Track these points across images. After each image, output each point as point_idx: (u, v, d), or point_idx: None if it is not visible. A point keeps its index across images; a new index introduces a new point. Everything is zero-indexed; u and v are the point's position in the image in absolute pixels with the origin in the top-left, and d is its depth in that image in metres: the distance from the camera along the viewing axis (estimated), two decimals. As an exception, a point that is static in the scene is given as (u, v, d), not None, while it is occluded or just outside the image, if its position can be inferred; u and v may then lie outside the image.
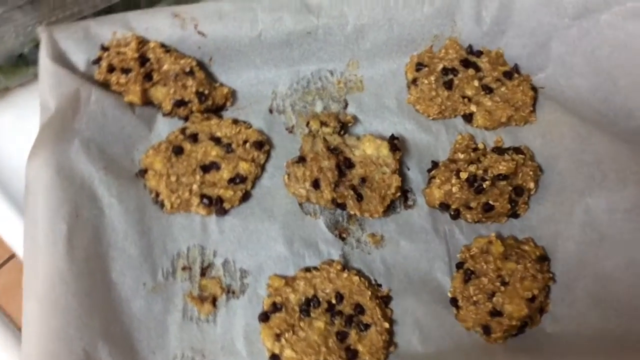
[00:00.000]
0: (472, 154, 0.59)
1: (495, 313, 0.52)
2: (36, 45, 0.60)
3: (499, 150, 0.59)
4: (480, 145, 0.60)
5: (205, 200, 0.57)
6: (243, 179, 0.58)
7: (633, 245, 0.52)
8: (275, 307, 0.53)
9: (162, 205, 0.57)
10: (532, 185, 0.57)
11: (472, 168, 0.56)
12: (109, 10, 0.63)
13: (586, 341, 0.51)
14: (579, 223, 0.55)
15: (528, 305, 0.51)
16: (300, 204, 0.58)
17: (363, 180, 0.57)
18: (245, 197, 0.58)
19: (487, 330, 0.52)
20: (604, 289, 0.52)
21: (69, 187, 0.53)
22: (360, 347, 0.52)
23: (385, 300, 0.54)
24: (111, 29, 0.60)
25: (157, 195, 0.57)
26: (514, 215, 0.57)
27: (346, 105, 0.63)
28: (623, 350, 0.49)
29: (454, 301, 0.54)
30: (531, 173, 0.57)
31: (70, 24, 0.60)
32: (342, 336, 0.52)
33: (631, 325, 0.51)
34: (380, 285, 0.55)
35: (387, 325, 0.52)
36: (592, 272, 0.53)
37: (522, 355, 0.51)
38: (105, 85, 0.60)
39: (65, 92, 0.56)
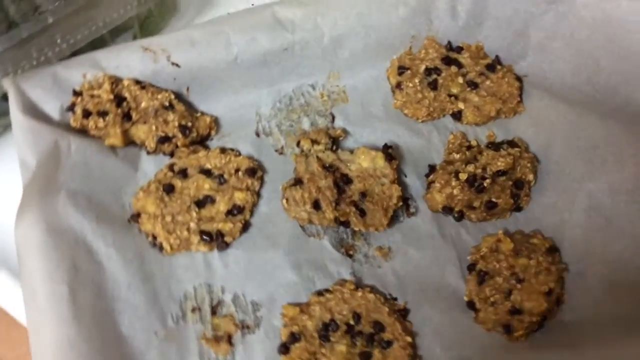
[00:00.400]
0: (467, 153, 0.58)
1: (515, 311, 0.52)
2: (4, 96, 0.57)
3: (494, 146, 0.58)
4: (474, 143, 0.59)
5: (205, 237, 0.55)
6: (241, 210, 0.56)
7: (639, 225, 0.52)
8: (294, 337, 0.52)
9: (161, 248, 0.55)
10: (531, 177, 0.57)
11: (471, 168, 0.56)
12: (74, 52, 0.60)
13: (604, 327, 0.51)
14: (583, 209, 0.55)
15: (546, 299, 0.51)
16: (302, 227, 0.57)
17: (363, 194, 0.56)
18: (245, 227, 0.57)
19: (508, 329, 0.52)
20: (615, 273, 0.52)
21: (63, 244, 0.51)
22: (385, 366, 0.51)
23: (403, 314, 0.54)
24: (80, 72, 0.58)
25: (155, 238, 0.55)
26: (517, 209, 0.57)
27: (333, 118, 0.62)
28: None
29: (471, 304, 0.54)
30: (529, 165, 0.57)
31: (36, 71, 0.57)
32: (365, 357, 0.51)
33: None
34: (395, 299, 0.54)
35: (409, 339, 0.52)
36: (601, 257, 0.53)
37: (545, 349, 0.51)
38: (83, 132, 0.57)
39: (44, 146, 0.53)
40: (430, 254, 0.56)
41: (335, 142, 0.60)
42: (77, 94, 0.57)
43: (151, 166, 0.59)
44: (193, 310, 0.54)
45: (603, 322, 0.51)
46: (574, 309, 0.53)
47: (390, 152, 0.58)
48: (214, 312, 0.54)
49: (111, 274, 0.52)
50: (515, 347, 0.52)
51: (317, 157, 0.57)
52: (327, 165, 0.57)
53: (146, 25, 0.67)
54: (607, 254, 0.53)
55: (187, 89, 0.61)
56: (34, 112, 0.56)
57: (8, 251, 0.54)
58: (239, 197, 0.57)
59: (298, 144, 0.59)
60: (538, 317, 0.51)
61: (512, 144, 0.58)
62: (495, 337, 0.53)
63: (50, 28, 0.54)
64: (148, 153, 0.59)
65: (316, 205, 0.55)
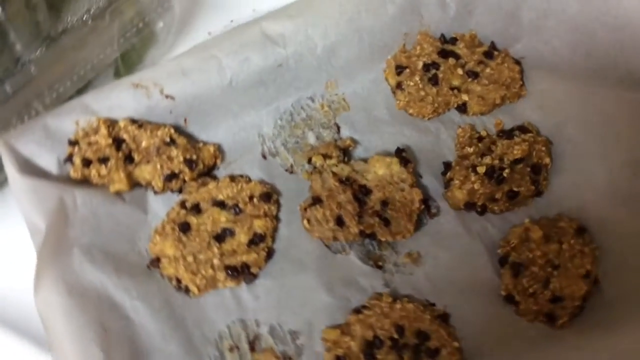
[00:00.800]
0: (480, 145, 0.57)
1: (556, 299, 0.51)
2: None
3: (506, 134, 0.58)
4: (484, 133, 0.59)
5: (231, 272, 0.53)
6: (262, 237, 0.55)
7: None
8: (339, 360, 0.51)
9: (187, 290, 0.53)
10: (547, 160, 0.56)
11: (488, 160, 0.55)
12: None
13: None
14: (603, 185, 0.55)
15: (585, 282, 0.51)
16: (327, 245, 0.56)
17: (384, 203, 0.55)
18: (270, 254, 0.55)
19: (551, 318, 0.52)
20: None
21: (87, 304, 0.49)
22: (436, 374, 0.50)
23: (444, 319, 0.53)
24: (72, 119, 0.55)
25: (179, 281, 0.53)
26: (538, 194, 0.57)
27: (339, 129, 0.60)
28: None
29: (509, 298, 0.53)
30: (544, 148, 0.56)
31: (26, 126, 0.54)
32: (415, 369, 0.50)
33: None
34: (433, 304, 0.53)
35: (456, 344, 0.51)
36: (629, 231, 0.53)
37: (590, 331, 0.51)
38: (86, 182, 0.55)
39: (50, 205, 0.51)
40: (460, 252, 0.55)
41: (346, 153, 0.58)
42: (73, 143, 0.54)
43: (161, 206, 0.57)
44: (231, 349, 0.52)
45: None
46: (611, 286, 0.53)
47: (404, 156, 0.56)
48: (252, 348, 0.52)
49: (141, 326, 0.50)
50: (561, 334, 0.52)
51: (332, 172, 0.56)
52: (344, 179, 0.55)
53: (127, 58, 0.64)
54: (635, 227, 0.53)
55: (185, 120, 0.59)
56: (31, 169, 0.53)
57: (29, 319, 0.51)
58: (259, 225, 0.55)
59: (309, 161, 0.57)
60: (579, 302, 0.51)
61: (523, 129, 0.58)
62: (539, 327, 0.53)
63: (36, 79, 0.51)
64: (155, 193, 0.57)
65: (339, 221, 0.54)
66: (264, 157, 0.60)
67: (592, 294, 0.53)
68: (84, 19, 0.52)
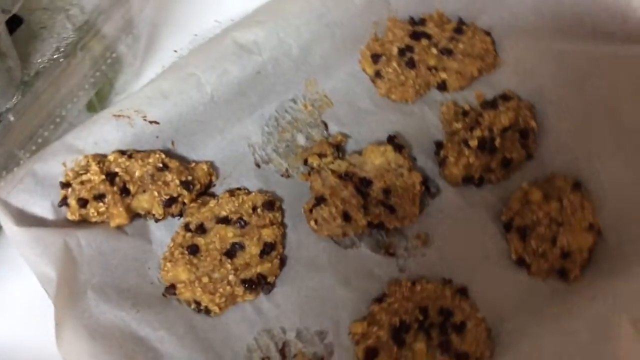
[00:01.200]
0: (466, 119, 0.59)
1: (565, 254, 0.53)
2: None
3: (490, 105, 0.59)
4: (467, 107, 0.60)
5: (248, 285, 0.53)
6: (272, 246, 0.55)
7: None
8: (371, 352, 0.51)
9: (207, 311, 0.53)
10: (533, 123, 0.58)
11: (478, 132, 0.57)
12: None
13: None
14: (590, 140, 0.57)
15: (590, 233, 0.53)
16: (337, 242, 0.56)
17: (386, 191, 0.55)
18: (283, 261, 0.55)
19: (563, 273, 0.53)
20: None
21: (111, 345, 0.48)
22: (466, 347, 0.51)
23: (463, 292, 0.54)
24: (59, 161, 0.54)
25: (198, 304, 0.53)
26: (529, 157, 0.58)
27: (326, 126, 0.61)
28: None
29: (520, 261, 0.55)
30: (528, 112, 0.58)
31: (12, 176, 0.53)
32: (445, 346, 0.51)
33: None
34: (450, 281, 0.55)
35: (480, 315, 0.52)
36: (623, 180, 0.55)
37: (601, 281, 0.53)
38: (85, 221, 0.54)
39: (55, 252, 0.49)
40: (466, 226, 0.57)
41: (339, 149, 0.59)
42: (65, 185, 0.53)
43: (164, 233, 0.56)
44: (262, 360, 0.52)
45: None
46: (612, 235, 0.55)
47: (397, 142, 0.57)
48: (283, 355, 0.52)
49: (169, 356, 0.50)
50: (574, 288, 0.54)
51: (330, 169, 0.56)
52: (343, 174, 0.56)
53: (99, 90, 0.63)
54: (629, 175, 0.55)
55: (173, 142, 0.58)
56: (27, 219, 0.51)
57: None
58: (267, 234, 0.55)
59: (305, 162, 0.58)
60: (588, 253, 0.53)
61: (504, 97, 0.59)
62: (553, 284, 0.54)
63: (16, 128, 0.50)
64: (156, 220, 0.56)
65: (346, 216, 0.54)
66: (258, 165, 0.60)
67: (596, 244, 0.55)
68: (55, 57, 0.50)
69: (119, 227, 0.55)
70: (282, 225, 0.57)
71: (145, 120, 0.56)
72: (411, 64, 0.61)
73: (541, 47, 0.60)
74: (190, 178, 0.56)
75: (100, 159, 0.54)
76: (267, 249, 0.54)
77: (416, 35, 0.62)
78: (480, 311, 0.53)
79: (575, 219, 0.54)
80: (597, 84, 0.57)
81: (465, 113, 0.60)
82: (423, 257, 0.56)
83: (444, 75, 0.61)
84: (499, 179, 0.58)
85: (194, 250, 0.54)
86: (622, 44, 0.57)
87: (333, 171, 0.56)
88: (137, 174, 0.55)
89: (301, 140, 0.60)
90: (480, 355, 0.51)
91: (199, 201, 0.57)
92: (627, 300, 0.48)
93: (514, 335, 0.51)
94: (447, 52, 0.61)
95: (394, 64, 0.61)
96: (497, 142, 0.56)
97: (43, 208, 0.53)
